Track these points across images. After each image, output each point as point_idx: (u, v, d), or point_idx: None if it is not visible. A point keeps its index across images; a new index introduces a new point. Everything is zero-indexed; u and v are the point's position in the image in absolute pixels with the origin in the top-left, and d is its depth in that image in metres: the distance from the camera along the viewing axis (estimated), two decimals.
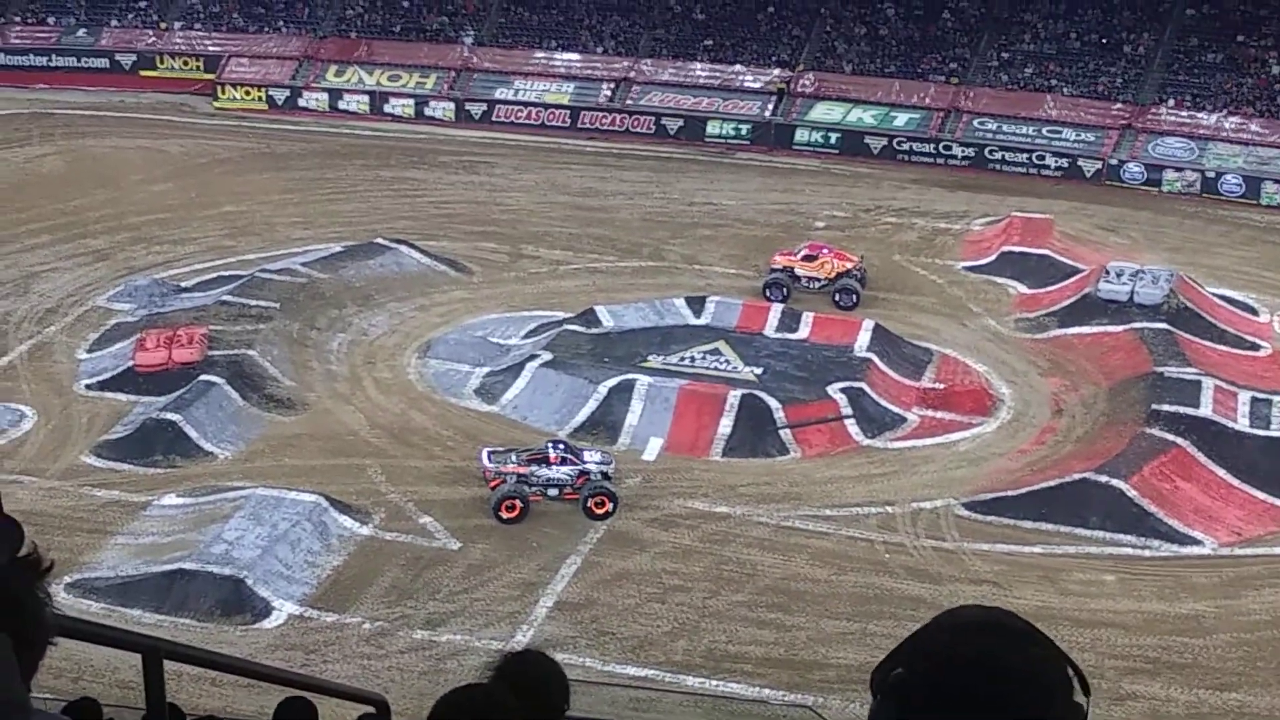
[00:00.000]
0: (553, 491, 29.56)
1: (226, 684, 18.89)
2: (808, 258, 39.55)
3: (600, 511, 29.35)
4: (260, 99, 55.38)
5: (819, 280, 39.14)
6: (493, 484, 29.54)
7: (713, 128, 52.23)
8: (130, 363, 34.79)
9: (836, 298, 38.86)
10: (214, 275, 40.34)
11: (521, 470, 29.58)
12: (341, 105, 54.83)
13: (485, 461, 29.82)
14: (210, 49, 56.95)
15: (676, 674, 24.80)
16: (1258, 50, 50.43)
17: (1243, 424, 31.94)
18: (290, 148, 51.64)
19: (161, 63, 57.10)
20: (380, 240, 41.75)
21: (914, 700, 2.90)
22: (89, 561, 27.34)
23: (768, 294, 38.86)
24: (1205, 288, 38.91)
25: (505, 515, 29.23)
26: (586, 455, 30.25)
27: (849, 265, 39.45)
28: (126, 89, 56.49)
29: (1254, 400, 32.80)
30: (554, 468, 29.64)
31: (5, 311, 38.44)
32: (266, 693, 8.11)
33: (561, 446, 30.29)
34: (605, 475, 29.91)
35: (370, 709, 8.65)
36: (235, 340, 35.26)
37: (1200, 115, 49.14)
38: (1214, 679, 25.11)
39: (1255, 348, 36.74)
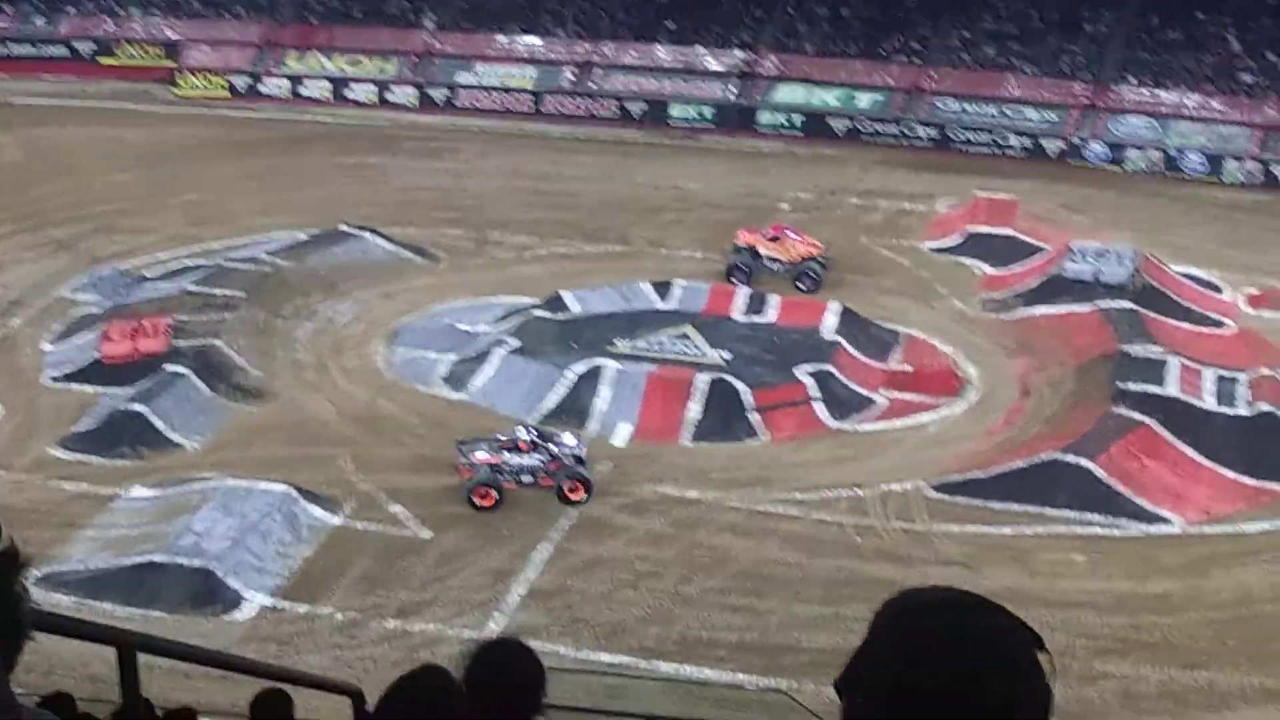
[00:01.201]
0: (527, 478, 29.48)
1: (199, 676, 18.75)
2: (773, 238, 39.57)
3: (575, 498, 29.33)
4: (221, 86, 55.10)
5: (781, 262, 39.16)
6: (464, 473, 29.49)
7: (676, 111, 52.20)
8: (95, 354, 34.59)
9: (797, 281, 38.88)
10: (178, 265, 40.15)
11: (493, 459, 29.55)
12: (303, 91, 54.59)
13: (459, 455, 29.79)
14: (170, 36, 56.64)
15: (650, 660, 24.81)
16: (1217, 27, 50.65)
17: (1209, 402, 32.12)
18: (252, 135, 51.38)
19: (121, 50, 56.74)
20: (345, 227, 41.59)
21: (883, 688, 2.89)
22: (58, 555, 27.15)
23: (732, 278, 38.86)
24: (1169, 266, 39.08)
25: (480, 503, 29.18)
26: (559, 440, 30.22)
27: (813, 251, 39.49)
28: (86, 77, 56.17)
29: (1219, 378, 32.96)
30: (526, 455, 29.58)
31: None
32: (240, 685, 8.08)
33: (533, 432, 30.25)
34: (578, 460, 29.89)
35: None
36: (201, 330, 35.11)
37: (1162, 93, 49.35)
38: (1185, 657, 25.25)
39: (1220, 325, 36.95)
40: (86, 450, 31.34)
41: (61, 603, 25.05)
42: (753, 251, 39.33)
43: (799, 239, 39.59)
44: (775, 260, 39.16)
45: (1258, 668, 25.01)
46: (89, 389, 33.68)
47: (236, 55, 55.78)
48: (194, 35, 56.45)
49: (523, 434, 29.98)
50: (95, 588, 26.25)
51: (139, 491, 29.56)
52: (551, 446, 29.83)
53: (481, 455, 29.57)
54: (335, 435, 32.19)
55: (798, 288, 38.54)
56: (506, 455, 29.55)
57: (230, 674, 8.22)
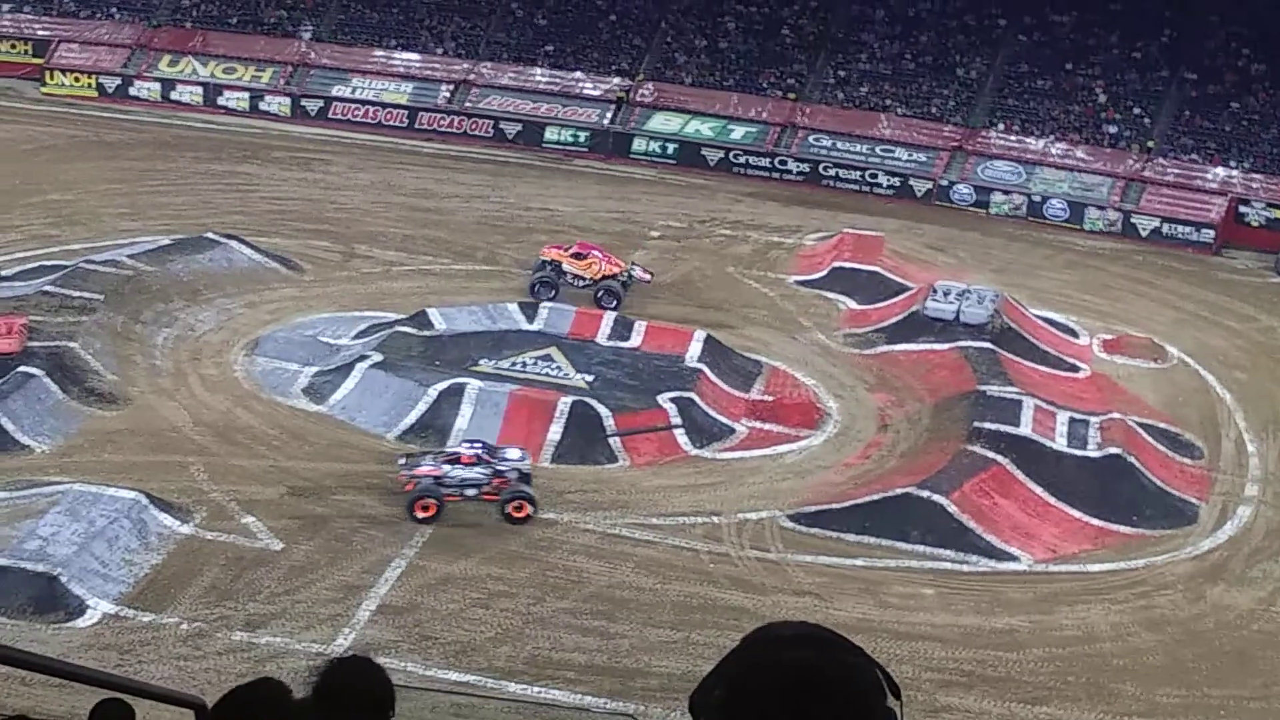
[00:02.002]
0: (470, 491, 29.46)
1: (37, 683, 18.39)
2: (577, 255, 39.85)
3: (519, 516, 29.39)
4: (90, 86, 54.19)
5: (584, 279, 39.44)
6: (407, 486, 29.35)
7: (551, 133, 52.18)
8: None
9: (599, 297, 39.22)
10: (36, 265, 39.26)
11: (435, 471, 29.43)
12: (174, 96, 53.84)
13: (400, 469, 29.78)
14: (39, 33, 55.55)
15: (499, 680, 24.76)
16: (1085, 79, 51.68)
17: (1060, 443, 32.67)
18: (120, 137, 50.59)
19: None
20: (211, 235, 41.01)
21: (729, 714, 2.94)
22: None
23: (535, 292, 39.09)
24: (1029, 309, 39.74)
25: (420, 515, 29.10)
26: (504, 455, 30.20)
27: (615, 270, 39.82)
28: None
29: (1072, 420, 33.55)
30: (468, 468, 29.53)
31: None
32: (79, 693, 7.96)
33: (478, 445, 30.22)
34: (522, 475, 29.87)
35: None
36: (56, 332, 34.42)
37: (1028, 140, 50.20)
38: (1027, 692, 25.69)
39: (1075, 369, 37.61)
40: None
41: None
42: (556, 267, 39.51)
43: (603, 258, 39.85)
44: (579, 277, 39.47)
45: (1096, 704, 25.54)
46: None
47: (107, 56, 54.86)
48: (65, 33, 55.46)
49: (466, 448, 29.99)
50: None
51: None
52: (495, 462, 29.80)
53: (424, 468, 29.49)
54: (189, 444, 31.76)
55: (599, 304, 38.88)
56: (448, 468, 29.51)
57: (69, 683, 8.07)
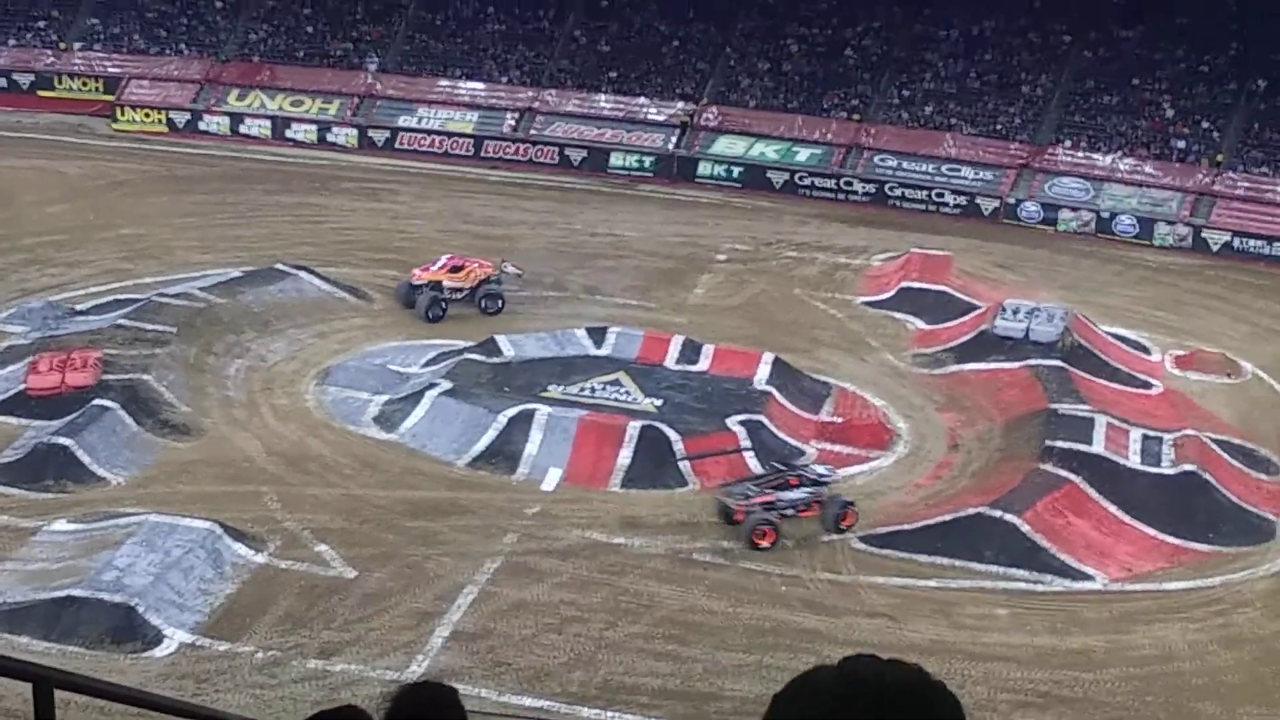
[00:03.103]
0: (790, 512, 30.18)
1: (116, 713, 18.61)
2: (455, 269, 40.12)
3: (847, 524, 30.28)
4: (160, 121, 54.87)
5: (463, 290, 39.77)
6: (740, 516, 29.88)
7: (616, 159, 52.40)
8: (22, 386, 34.06)
9: (483, 305, 39.77)
10: (110, 298, 39.75)
11: (768, 498, 30.05)
12: (243, 129, 54.45)
13: (727, 499, 30.35)
14: (110, 70, 56.35)
15: (573, 705, 24.69)
16: (1152, 94, 51.40)
17: (1134, 461, 32.39)
18: (190, 171, 51.14)
19: (60, 83, 56.43)
20: (280, 266, 41.36)
21: None
22: None
23: (429, 315, 39.41)
24: (1099, 326, 39.49)
25: (760, 543, 29.61)
26: (814, 470, 31.36)
27: (489, 273, 40.22)
28: (23, 109, 55.76)
29: (1145, 438, 33.26)
30: (795, 490, 30.34)
31: None
32: None
33: (794, 468, 31.45)
34: (825, 483, 30.91)
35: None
36: (130, 364, 34.77)
37: (1096, 156, 49.98)
38: (1104, 713, 25.39)
39: (1147, 386, 37.33)
40: (9, 482, 30.87)
41: None
42: (437, 285, 39.76)
43: (476, 264, 40.29)
44: (458, 290, 39.81)
45: None
46: (14, 421, 33.22)
47: (177, 91, 55.58)
48: (134, 70, 56.18)
49: (787, 470, 31.10)
50: (13, 621, 25.84)
51: (61, 525, 29.14)
52: (810, 479, 30.84)
53: (757, 498, 30.08)
54: (262, 473, 31.96)
55: (484, 310, 39.66)
56: (779, 494, 30.16)
57: (147, 712, 8.14)
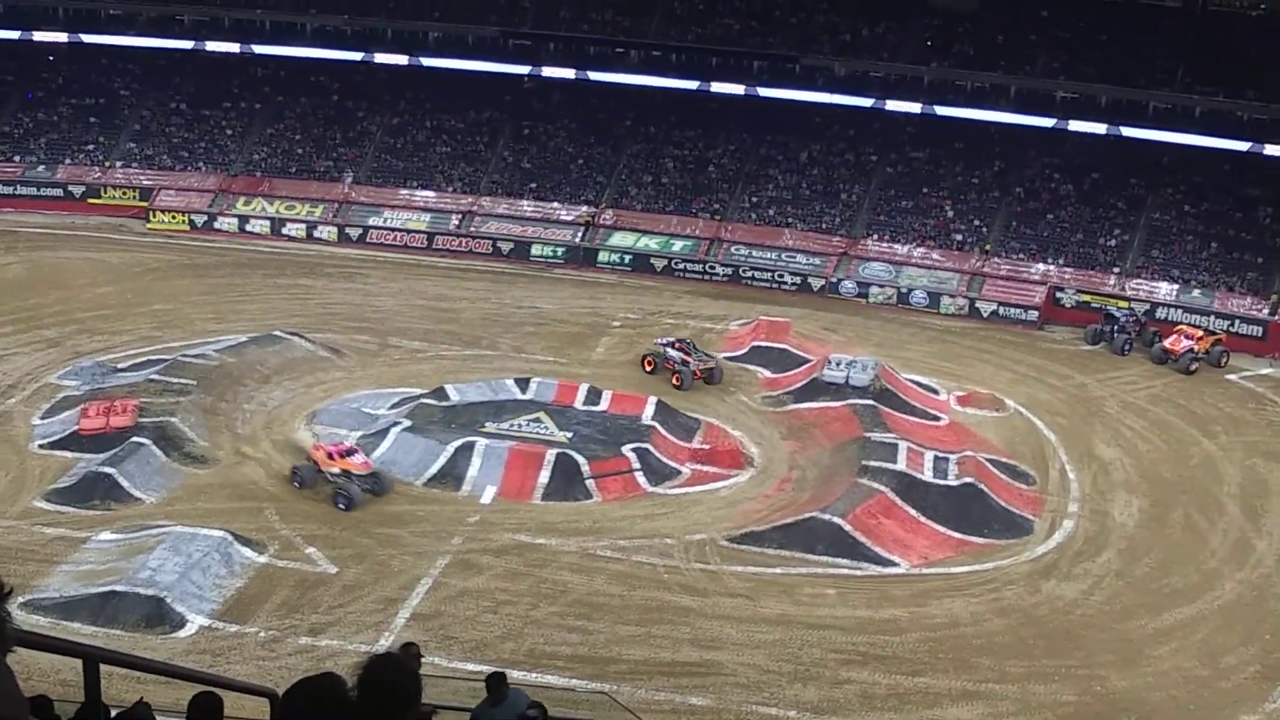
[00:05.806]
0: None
1: (149, 681, 18.14)
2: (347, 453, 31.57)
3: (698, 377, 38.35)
4: (184, 222, 54.09)
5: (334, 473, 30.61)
6: (648, 363, 38.71)
7: (536, 249, 52.27)
8: (75, 427, 33.56)
9: (336, 499, 30.45)
10: (144, 359, 39.12)
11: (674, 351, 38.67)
12: (248, 228, 53.77)
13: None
14: (144, 182, 55.48)
15: (505, 669, 24.46)
16: (937, 199, 52.18)
17: (928, 475, 32.75)
18: (207, 260, 50.47)
19: (105, 193, 55.44)
20: (277, 332, 40.85)
21: None
22: (39, 585, 26.25)
23: (338, 503, 30.48)
24: (901, 374, 39.89)
25: (648, 368, 38.82)
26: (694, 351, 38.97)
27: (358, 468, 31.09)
28: (77, 212, 54.72)
29: (936, 458, 33.65)
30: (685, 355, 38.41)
31: None
32: (181, 688, 7.91)
33: (687, 342, 39.47)
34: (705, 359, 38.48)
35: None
36: (161, 410, 34.24)
37: (896, 246, 50.58)
38: (908, 667, 25.66)
39: (937, 418, 37.73)
40: (65, 503, 30.37)
41: (39, 623, 24.21)
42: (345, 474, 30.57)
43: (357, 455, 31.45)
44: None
45: (961, 674, 25.52)
46: (69, 454, 32.64)
47: (197, 199, 54.83)
48: (163, 182, 55.45)
49: (681, 343, 39.96)
50: (67, 611, 25.41)
51: (106, 535, 28.70)
52: (691, 353, 38.93)
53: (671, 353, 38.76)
54: (265, 493, 31.57)
55: (337, 506, 30.46)
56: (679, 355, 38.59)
57: (173, 680, 8.05)
